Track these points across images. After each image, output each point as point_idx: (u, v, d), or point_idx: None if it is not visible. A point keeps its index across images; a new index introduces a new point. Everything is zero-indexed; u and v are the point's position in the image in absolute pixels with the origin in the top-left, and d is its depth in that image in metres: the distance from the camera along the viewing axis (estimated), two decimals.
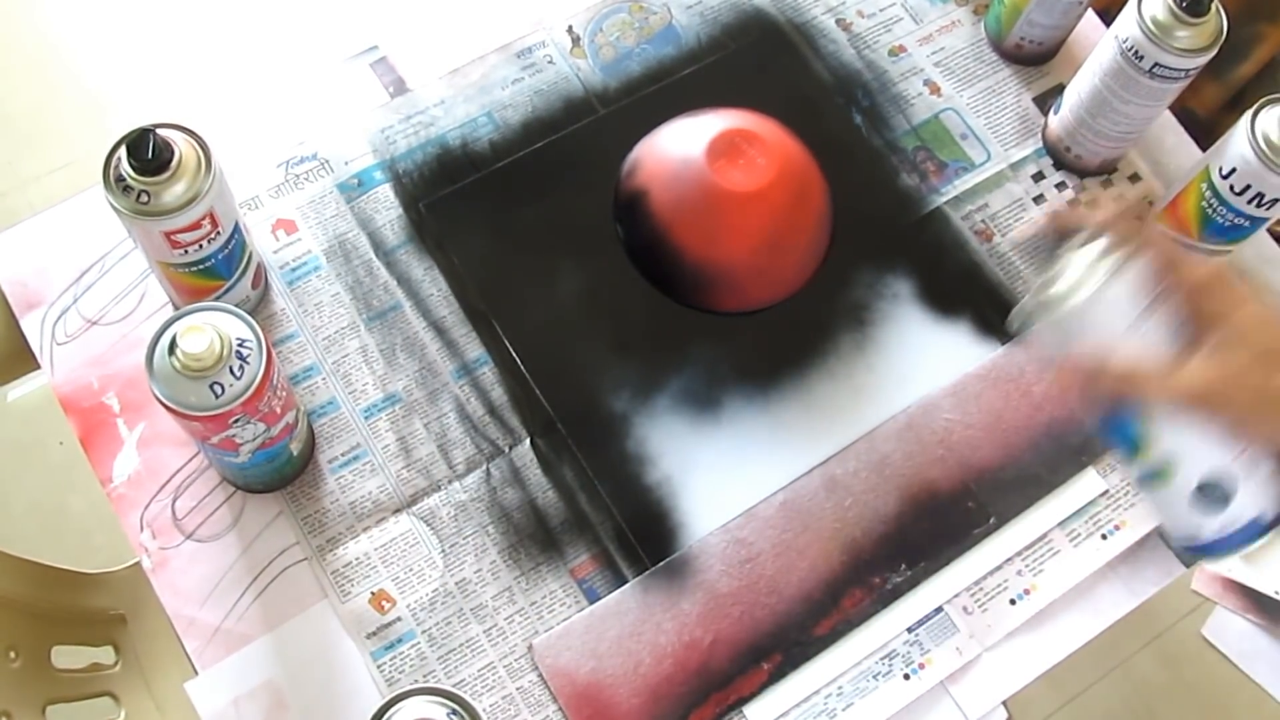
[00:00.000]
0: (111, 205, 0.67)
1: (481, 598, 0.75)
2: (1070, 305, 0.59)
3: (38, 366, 0.80)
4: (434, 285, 0.82)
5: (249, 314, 0.66)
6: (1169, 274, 0.58)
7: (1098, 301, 0.58)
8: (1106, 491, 0.81)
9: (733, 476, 0.79)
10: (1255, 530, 0.59)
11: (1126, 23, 0.79)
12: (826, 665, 0.75)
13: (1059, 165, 0.91)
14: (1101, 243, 0.59)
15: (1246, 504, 0.59)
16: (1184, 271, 0.58)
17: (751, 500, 0.78)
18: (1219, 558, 0.60)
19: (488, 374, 0.80)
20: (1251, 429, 0.58)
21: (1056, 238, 0.60)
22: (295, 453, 0.74)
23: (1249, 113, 0.76)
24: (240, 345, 0.64)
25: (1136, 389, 0.59)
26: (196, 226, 0.69)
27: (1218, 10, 0.78)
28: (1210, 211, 0.80)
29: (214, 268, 0.73)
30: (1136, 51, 0.79)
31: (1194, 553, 0.61)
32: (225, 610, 0.74)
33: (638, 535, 0.77)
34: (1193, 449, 0.59)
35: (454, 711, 0.59)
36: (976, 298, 0.85)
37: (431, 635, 0.74)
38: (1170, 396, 0.58)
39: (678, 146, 0.82)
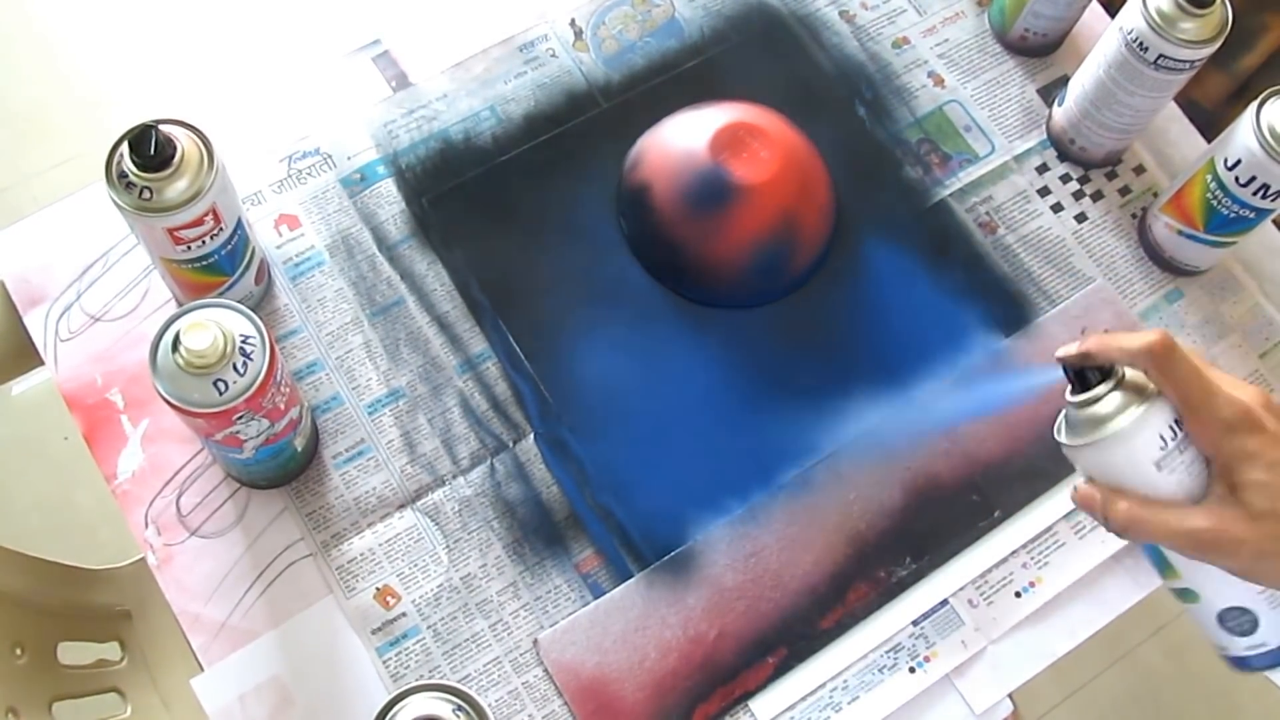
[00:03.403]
0: (114, 202, 0.67)
1: (486, 593, 0.75)
2: (1103, 434, 0.57)
3: (41, 363, 0.80)
4: (437, 280, 0.82)
5: (252, 310, 0.66)
6: (1194, 414, 0.56)
7: (1129, 435, 0.57)
8: None
9: (736, 470, 0.79)
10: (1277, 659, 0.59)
11: (1131, 14, 0.79)
12: (832, 659, 0.75)
13: (1063, 157, 0.90)
14: (1138, 377, 0.58)
15: (1273, 631, 0.59)
16: (1208, 413, 0.56)
17: (756, 494, 0.78)
18: (1252, 672, 0.61)
19: (491, 369, 0.80)
20: (1256, 577, 0.57)
21: (1094, 363, 0.59)
22: (299, 449, 0.74)
23: (1254, 104, 0.76)
24: (243, 342, 0.64)
25: (1142, 531, 0.58)
26: (199, 223, 0.69)
27: (1223, 1, 0.78)
28: (1215, 203, 0.79)
29: (217, 264, 0.73)
30: (1141, 43, 0.78)
31: (1230, 663, 0.62)
32: (230, 606, 0.74)
33: (642, 530, 0.77)
34: (1214, 579, 0.59)
35: (459, 707, 0.59)
36: (981, 290, 0.85)
37: (437, 630, 0.74)
38: (1173, 542, 0.57)
39: (681, 140, 0.82)
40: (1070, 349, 0.59)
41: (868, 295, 0.84)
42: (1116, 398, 0.58)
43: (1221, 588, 0.59)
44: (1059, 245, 0.87)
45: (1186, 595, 0.61)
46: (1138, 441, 0.57)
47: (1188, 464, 0.57)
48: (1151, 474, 0.57)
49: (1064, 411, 0.60)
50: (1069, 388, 0.59)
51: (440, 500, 0.77)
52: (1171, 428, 0.57)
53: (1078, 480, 0.61)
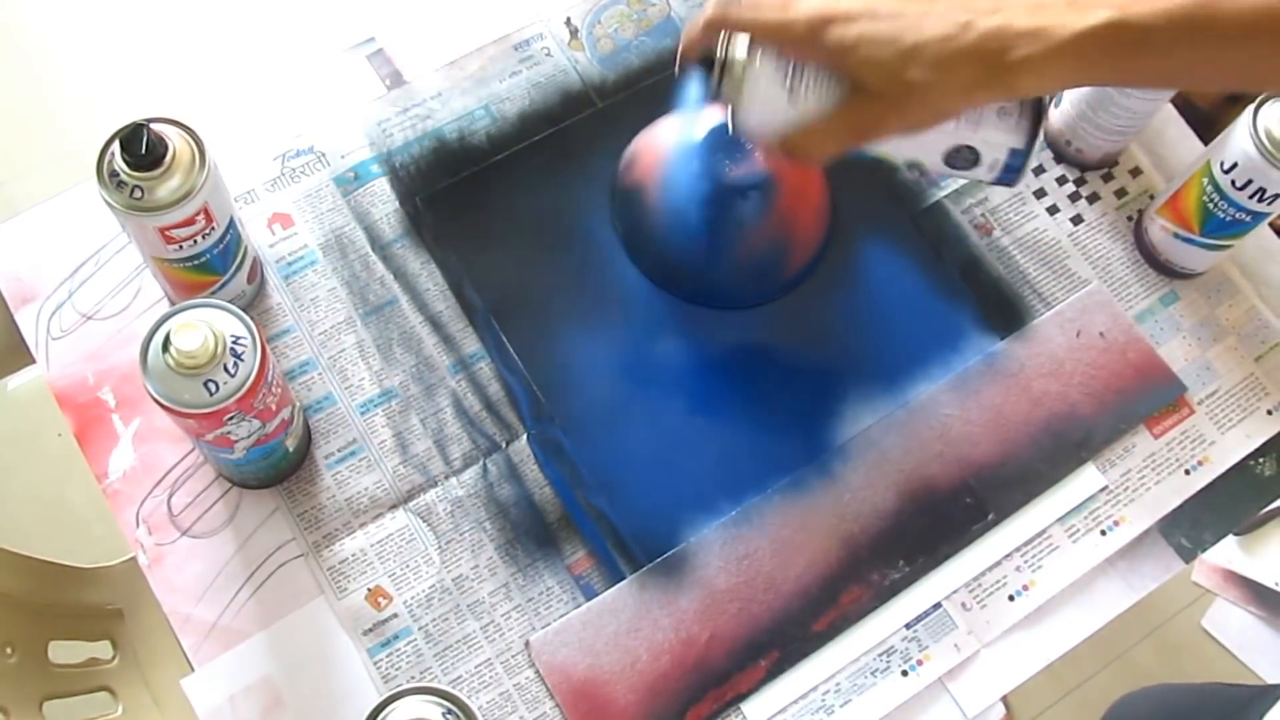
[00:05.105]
0: (105, 201, 0.67)
1: (478, 594, 0.75)
2: (739, 104, 0.62)
3: (33, 361, 0.79)
4: (430, 280, 0.82)
5: (244, 309, 0.66)
6: (784, 46, 0.60)
7: (756, 92, 0.61)
8: (1106, 487, 0.80)
9: (730, 472, 0.79)
10: (1022, 157, 0.62)
11: None
12: (824, 662, 0.75)
13: (1060, 159, 0.90)
14: (734, 42, 0.62)
15: (996, 147, 0.62)
16: (791, 36, 0.59)
17: (749, 496, 0.78)
18: (1014, 182, 0.64)
19: (485, 369, 0.80)
20: (923, 131, 0.61)
21: (691, 60, 0.64)
22: (291, 449, 0.74)
23: (1251, 107, 0.75)
24: (234, 342, 0.64)
25: (819, 150, 0.62)
26: (191, 222, 0.68)
27: None
28: (1212, 206, 0.79)
29: (209, 263, 0.72)
30: None
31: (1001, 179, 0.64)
32: (221, 606, 0.74)
33: (634, 532, 0.77)
34: (916, 144, 0.63)
35: (449, 711, 0.59)
36: (976, 292, 0.85)
37: (428, 632, 0.74)
38: (849, 145, 0.62)
39: (676, 140, 0.82)
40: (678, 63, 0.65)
41: (863, 297, 0.84)
42: (733, 69, 0.62)
43: (923, 144, 0.62)
44: (1054, 247, 0.87)
45: (912, 167, 0.64)
46: (766, 92, 0.61)
47: (814, 82, 0.61)
48: (794, 109, 0.61)
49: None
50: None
51: (432, 501, 0.77)
52: (781, 65, 0.61)
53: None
